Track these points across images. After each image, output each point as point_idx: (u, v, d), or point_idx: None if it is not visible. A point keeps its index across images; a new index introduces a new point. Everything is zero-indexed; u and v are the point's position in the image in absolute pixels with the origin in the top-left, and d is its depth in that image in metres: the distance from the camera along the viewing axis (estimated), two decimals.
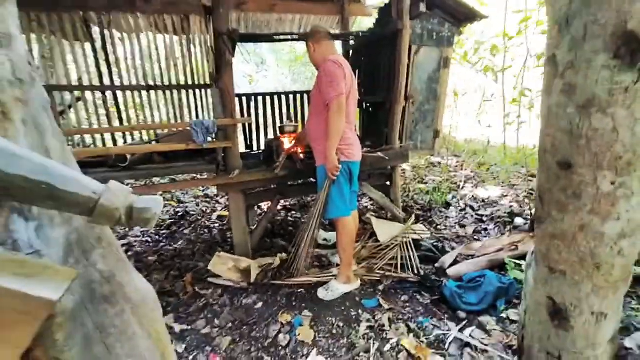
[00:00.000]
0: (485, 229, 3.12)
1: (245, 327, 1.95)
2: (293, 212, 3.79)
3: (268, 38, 3.44)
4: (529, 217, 3.15)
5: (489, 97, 4.95)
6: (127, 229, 3.27)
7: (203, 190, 4.58)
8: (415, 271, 2.42)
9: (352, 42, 3.66)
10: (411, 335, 1.84)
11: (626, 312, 1.75)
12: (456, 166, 5.21)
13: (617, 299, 0.78)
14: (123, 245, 2.99)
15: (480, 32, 5.76)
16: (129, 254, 2.85)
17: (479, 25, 3.82)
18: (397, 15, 2.66)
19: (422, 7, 2.72)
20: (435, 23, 2.95)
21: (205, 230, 3.35)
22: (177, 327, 1.94)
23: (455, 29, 3.07)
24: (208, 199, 4.32)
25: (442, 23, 2.98)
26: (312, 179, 2.66)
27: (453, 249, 2.71)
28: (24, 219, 0.48)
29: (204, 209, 3.98)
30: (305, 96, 3.82)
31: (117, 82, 3.63)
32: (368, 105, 3.48)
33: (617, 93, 0.63)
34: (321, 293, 2.20)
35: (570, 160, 0.72)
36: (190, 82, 3.84)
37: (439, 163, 5.37)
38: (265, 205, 3.80)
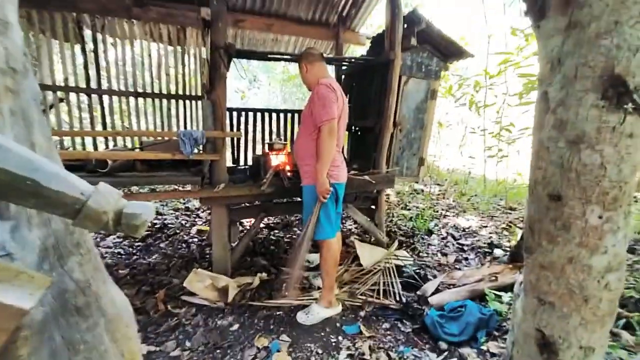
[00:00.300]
0: (466, 258, 3.16)
1: (218, 351, 1.83)
2: (275, 231, 3.71)
3: (263, 56, 3.50)
4: (508, 248, 3.23)
5: (472, 130, 5.19)
6: (98, 239, 3.09)
7: (184, 203, 4.44)
8: (397, 298, 2.39)
9: (344, 68, 3.78)
10: None
11: None
12: (438, 194, 5.33)
13: (603, 334, 0.79)
14: None
15: (465, 68, 6.13)
16: None
17: (463, 62, 4.08)
18: (390, 46, 2.79)
19: (413, 41, 2.88)
20: (425, 56, 3.12)
21: (183, 245, 3.21)
22: (144, 348, 1.79)
23: (443, 64, 3.25)
24: (188, 212, 4.18)
25: (431, 57, 3.15)
26: (298, 198, 2.63)
27: (435, 276, 2.71)
28: None
29: (184, 222, 3.84)
30: (296, 115, 3.87)
31: (104, 87, 3.54)
32: (357, 129, 3.56)
33: (605, 131, 0.67)
34: (301, 317, 2.12)
35: (561, 192, 0.75)
36: (181, 93, 3.81)
37: (422, 190, 5.48)
38: (247, 222, 3.71)
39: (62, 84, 3.38)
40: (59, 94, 3.40)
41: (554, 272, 0.77)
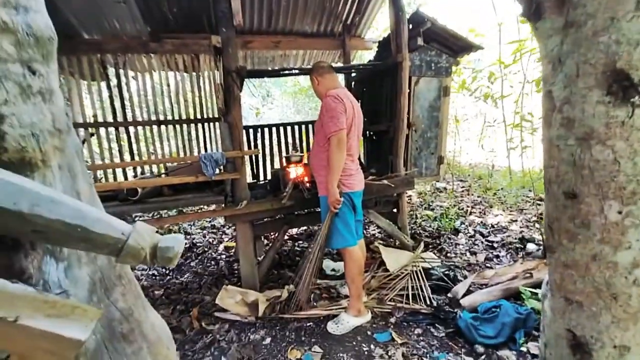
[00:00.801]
0: (497, 256, 3.06)
1: None
2: (300, 242, 3.76)
3: (274, 73, 3.61)
4: (541, 242, 3.09)
5: (491, 123, 5.05)
6: None
7: (210, 222, 4.59)
8: (428, 302, 2.35)
9: (353, 74, 3.82)
10: None
11: None
12: (462, 191, 5.19)
13: (638, 331, 0.75)
14: None
15: (477, 60, 5.99)
16: None
17: (475, 55, 4.00)
18: (397, 49, 2.80)
19: (420, 41, 2.88)
20: (433, 55, 3.10)
21: (212, 262, 3.32)
22: None
23: (453, 60, 3.21)
24: (215, 230, 4.32)
25: (440, 54, 3.12)
26: (318, 208, 2.67)
27: (465, 277, 2.64)
28: (55, 260, 0.50)
29: (211, 240, 3.98)
30: (310, 126, 3.93)
31: (129, 117, 3.78)
32: (372, 133, 3.56)
33: (614, 126, 0.66)
34: (331, 327, 2.13)
35: (576, 190, 0.73)
36: (199, 116, 3.99)
37: (445, 188, 5.36)
38: (272, 236, 3.78)
39: (92, 120, 3.64)
40: (90, 129, 3.66)
41: (578, 270, 0.75)
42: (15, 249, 0.46)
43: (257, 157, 3.73)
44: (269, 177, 3.72)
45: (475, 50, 3.17)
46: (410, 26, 2.90)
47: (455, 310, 2.23)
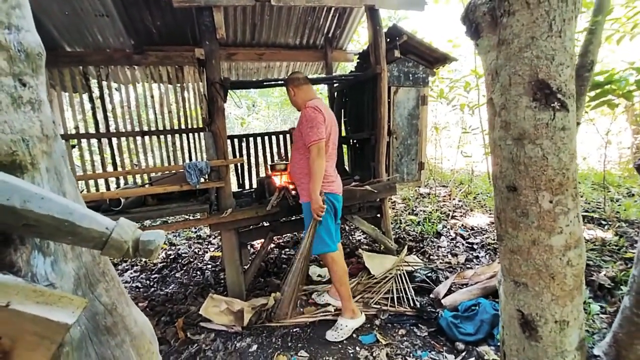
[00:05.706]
0: (477, 257, 3.17)
1: None
2: (286, 250, 3.78)
3: (257, 84, 3.70)
4: None
5: (469, 130, 5.26)
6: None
7: (195, 232, 4.55)
8: (411, 303, 2.41)
9: (336, 85, 3.94)
10: None
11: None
12: (444, 196, 5.34)
13: (575, 307, 0.85)
14: None
15: (455, 70, 6.25)
16: None
17: (454, 65, 4.18)
18: (375, 61, 2.93)
19: (397, 53, 3.02)
20: (410, 66, 3.25)
21: (198, 273, 3.30)
22: None
23: (429, 70, 3.38)
24: (200, 240, 4.29)
25: (417, 66, 3.28)
26: (302, 215, 2.72)
27: (446, 278, 2.72)
28: (42, 254, 0.54)
29: (197, 250, 3.95)
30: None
31: (112, 128, 3.76)
32: (355, 141, 3.67)
33: (541, 127, 0.77)
34: (332, 335, 2.12)
35: (515, 183, 0.84)
36: (183, 127, 4.01)
37: (428, 194, 5.51)
38: (258, 244, 3.79)
39: (74, 132, 3.61)
40: (71, 141, 3.62)
41: (522, 255, 0.84)
42: (5, 243, 0.50)
43: (242, 165, 3.76)
44: (254, 185, 3.75)
45: (450, 61, 3.35)
46: (388, 39, 3.04)
47: (437, 310, 2.30)
